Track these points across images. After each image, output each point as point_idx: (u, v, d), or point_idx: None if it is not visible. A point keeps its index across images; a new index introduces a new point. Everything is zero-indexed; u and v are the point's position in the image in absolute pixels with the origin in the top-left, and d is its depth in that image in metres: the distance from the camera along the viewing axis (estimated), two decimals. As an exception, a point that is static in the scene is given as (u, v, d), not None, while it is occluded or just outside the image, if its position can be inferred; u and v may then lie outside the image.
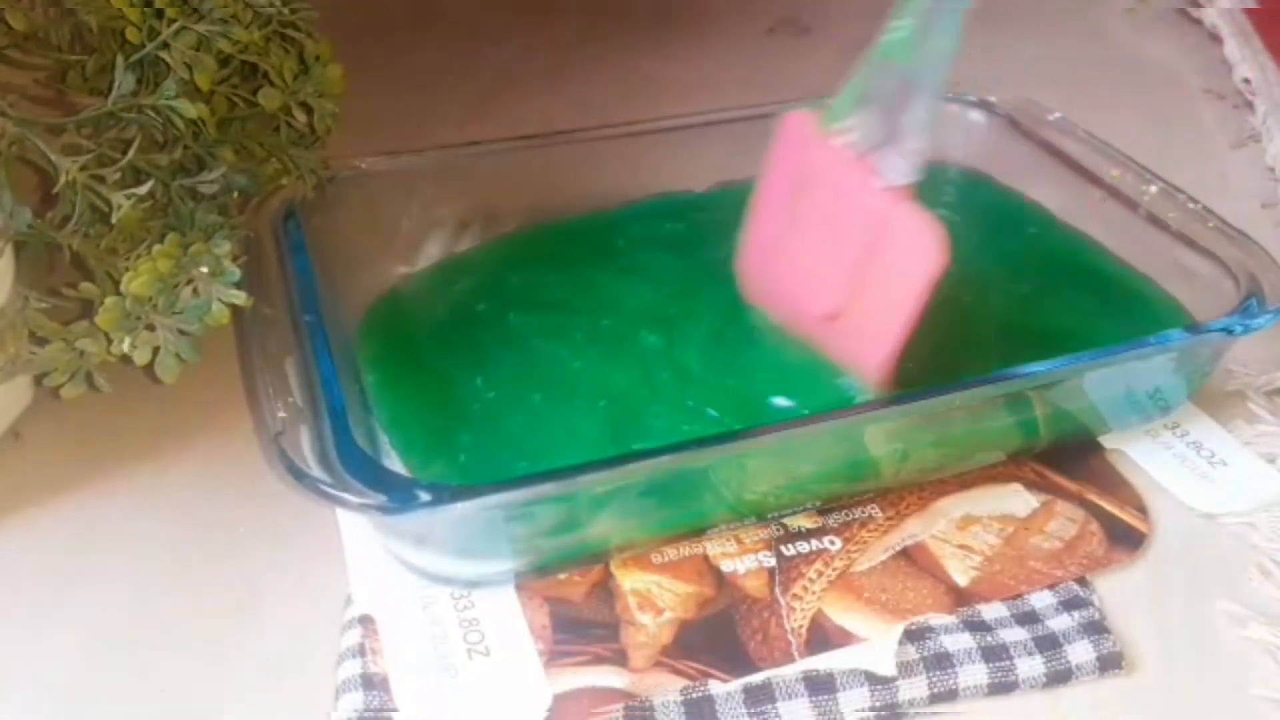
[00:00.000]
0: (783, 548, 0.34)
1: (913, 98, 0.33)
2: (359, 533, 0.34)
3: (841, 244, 0.35)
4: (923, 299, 0.33)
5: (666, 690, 0.30)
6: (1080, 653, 0.31)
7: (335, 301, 0.38)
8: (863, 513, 0.36)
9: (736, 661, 0.31)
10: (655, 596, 0.33)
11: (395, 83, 0.60)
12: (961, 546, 0.35)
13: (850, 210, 0.35)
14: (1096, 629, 0.32)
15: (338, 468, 0.30)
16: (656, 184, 0.48)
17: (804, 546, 0.35)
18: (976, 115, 0.51)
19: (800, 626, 0.32)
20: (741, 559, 0.34)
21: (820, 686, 0.30)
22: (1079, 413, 0.38)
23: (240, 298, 0.33)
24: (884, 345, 0.34)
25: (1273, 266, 0.39)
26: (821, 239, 0.36)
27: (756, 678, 0.31)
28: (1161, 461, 0.38)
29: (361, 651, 0.31)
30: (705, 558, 0.34)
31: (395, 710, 0.30)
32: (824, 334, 0.36)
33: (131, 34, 0.35)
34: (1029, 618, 0.33)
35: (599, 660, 0.31)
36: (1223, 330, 0.36)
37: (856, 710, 0.30)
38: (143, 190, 0.34)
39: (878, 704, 0.30)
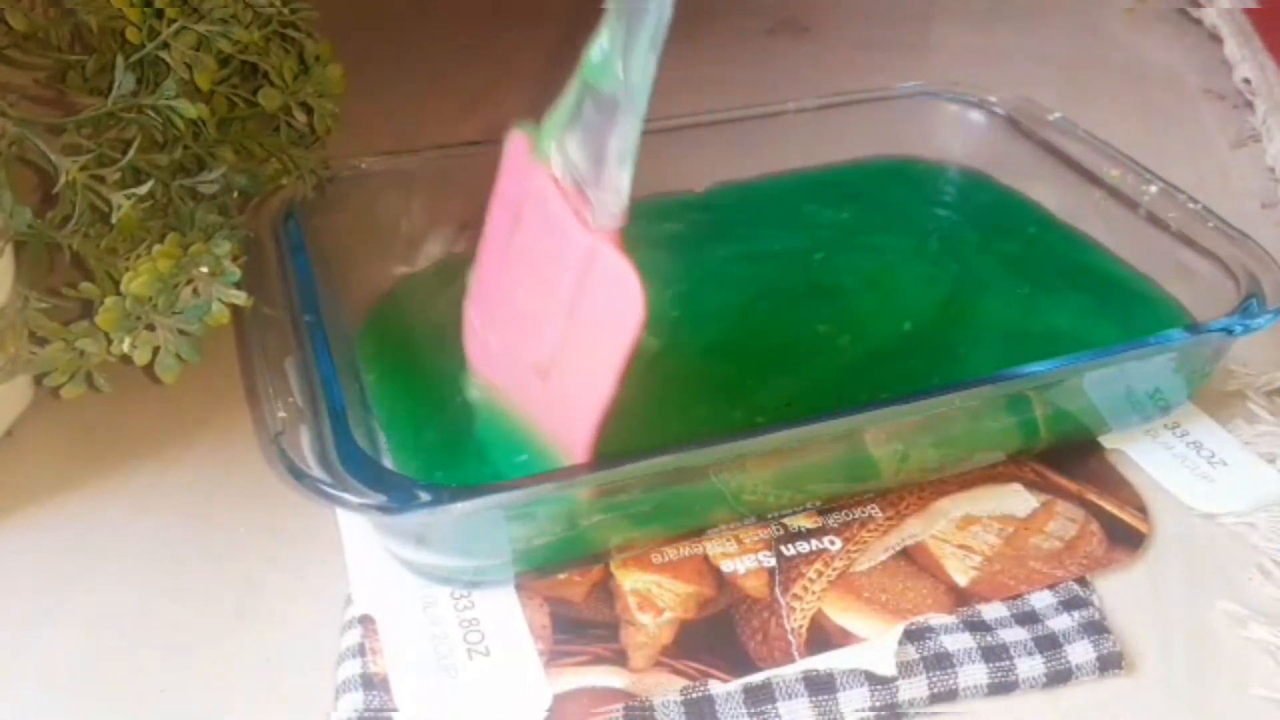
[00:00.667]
0: (783, 548, 0.34)
1: (616, 125, 0.29)
2: (359, 533, 0.34)
3: (552, 285, 0.31)
4: (624, 363, 0.29)
5: (666, 690, 0.30)
6: (1080, 653, 0.31)
7: (335, 301, 0.38)
8: (863, 513, 0.36)
9: (736, 661, 0.31)
10: (655, 596, 0.33)
11: (395, 82, 0.60)
12: (961, 546, 0.35)
13: (559, 247, 0.31)
14: (1096, 629, 0.32)
15: (338, 468, 0.30)
16: (656, 184, 0.48)
17: (804, 546, 0.35)
18: (976, 115, 0.51)
19: (800, 626, 0.32)
20: (741, 559, 0.34)
21: (820, 686, 0.30)
22: (1079, 413, 0.38)
23: (240, 298, 0.33)
24: (586, 420, 0.30)
25: (1273, 266, 0.39)
26: (535, 278, 0.32)
27: (756, 678, 0.31)
28: (1161, 461, 0.38)
29: (361, 651, 0.31)
30: (705, 558, 0.34)
31: (395, 710, 0.30)
32: (533, 396, 0.33)
33: (131, 34, 0.35)
34: (1029, 618, 0.33)
35: (599, 660, 0.31)
36: (1223, 330, 0.36)
37: (856, 710, 0.30)
38: (143, 190, 0.34)
39: (878, 704, 0.30)
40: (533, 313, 0.32)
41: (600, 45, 0.30)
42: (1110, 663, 0.31)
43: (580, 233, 0.30)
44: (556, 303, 0.31)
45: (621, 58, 0.29)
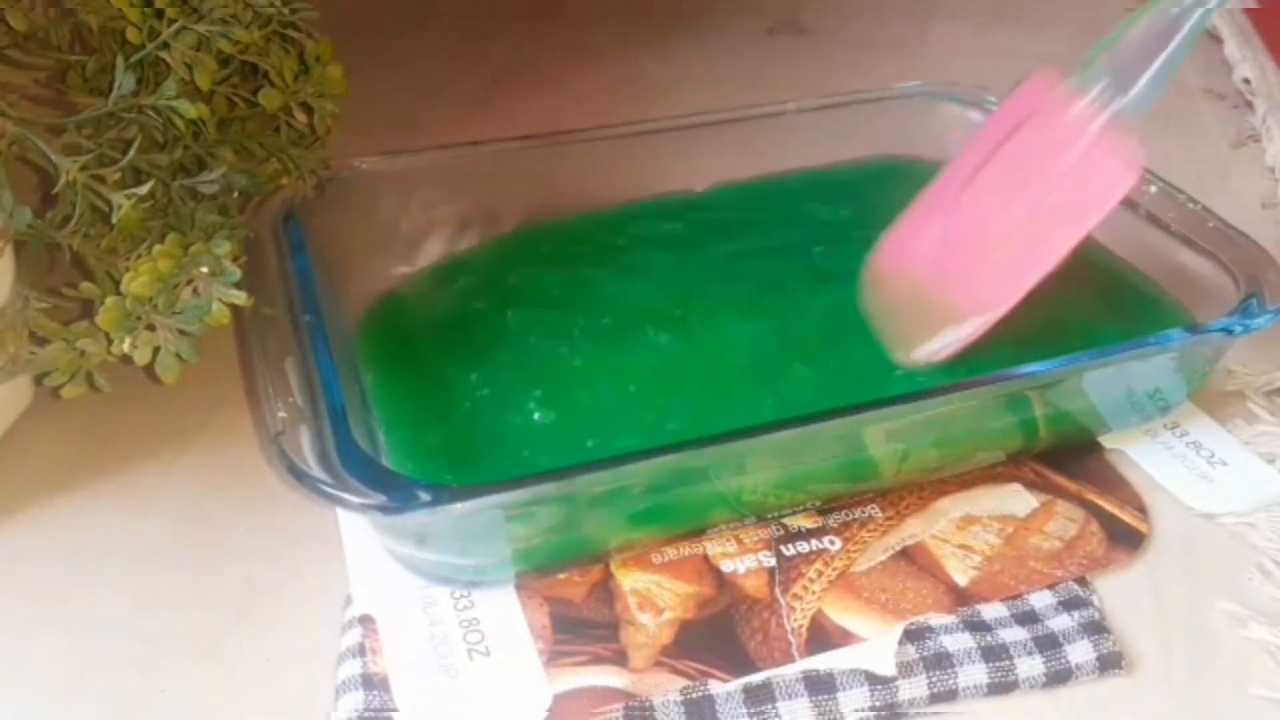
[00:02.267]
0: (783, 548, 0.34)
1: (1172, 38, 0.35)
2: (359, 533, 0.34)
3: (1037, 174, 0.38)
4: (1101, 218, 0.36)
5: (666, 690, 0.30)
6: (1080, 652, 0.31)
7: (335, 301, 0.38)
8: (863, 513, 0.36)
9: (736, 661, 0.31)
10: (655, 596, 0.33)
11: (395, 83, 0.60)
12: (961, 546, 0.35)
13: (1060, 140, 0.37)
14: (1096, 629, 0.32)
15: (338, 468, 0.30)
16: (656, 184, 0.48)
17: (804, 546, 0.35)
18: (976, 115, 0.51)
19: (800, 626, 0.32)
20: (741, 559, 0.34)
21: (820, 686, 0.30)
22: (1079, 413, 0.38)
23: (240, 298, 0.33)
24: (1026, 279, 0.37)
25: (1272, 266, 0.39)
26: (1020, 172, 0.38)
27: (756, 677, 0.31)
28: (1161, 461, 0.38)
29: (361, 651, 0.31)
30: (705, 558, 0.34)
31: (395, 710, 0.30)
32: (967, 278, 0.38)
33: (132, 34, 0.35)
34: (1029, 618, 0.33)
35: (599, 660, 0.31)
36: (1222, 330, 0.36)
37: (856, 710, 0.30)
38: (143, 190, 0.34)
39: (877, 704, 0.30)
40: (1008, 197, 0.38)
41: None
42: (1110, 663, 0.31)
43: (1092, 123, 0.36)
44: (1036, 189, 0.37)
45: None
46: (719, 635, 0.32)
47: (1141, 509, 0.36)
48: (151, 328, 0.32)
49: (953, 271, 0.39)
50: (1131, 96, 0.36)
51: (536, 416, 0.36)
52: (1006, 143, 0.39)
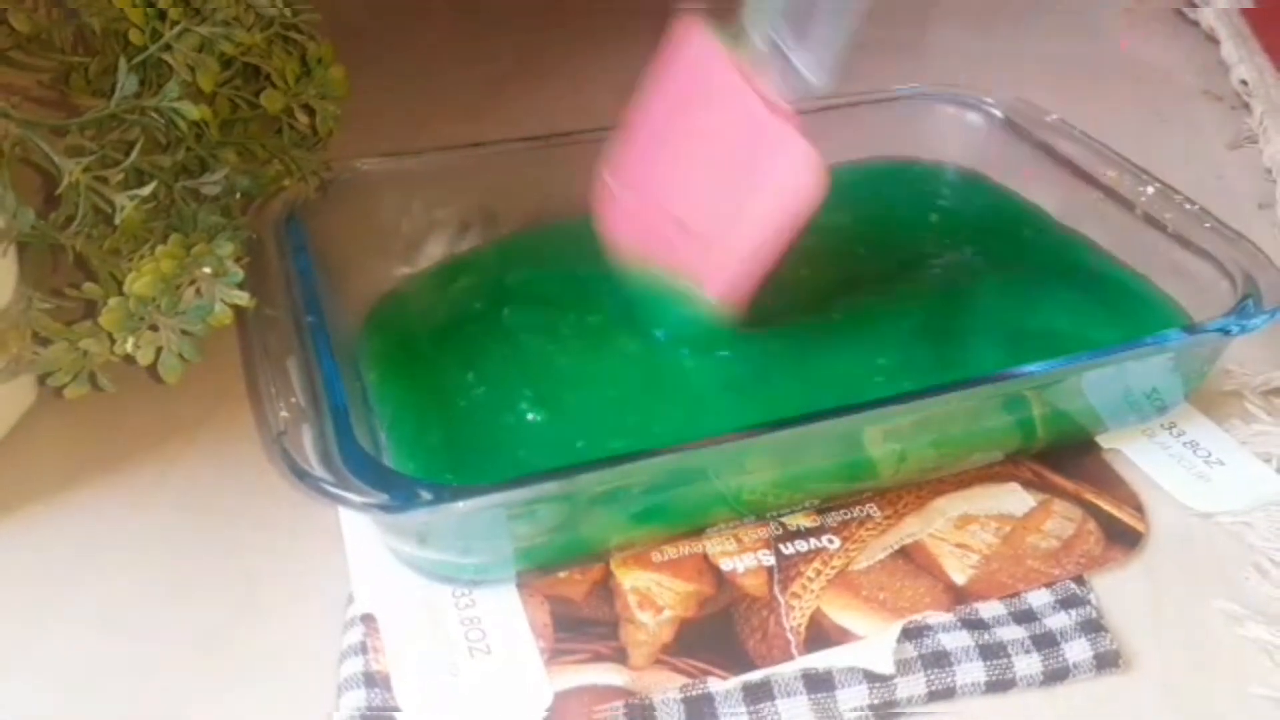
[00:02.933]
0: (781, 546, 0.35)
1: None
2: (361, 531, 0.35)
3: (720, 154, 0.34)
4: (789, 227, 0.33)
5: (666, 688, 0.31)
6: (1077, 651, 0.31)
7: (337, 302, 0.38)
8: (861, 512, 0.36)
9: (736, 659, 0.31)
10: (655, 595, 0.33)
11: (396, 85, 0.60)
12: (959, 545, 0.35)
13: (733, 126, 0.33)
14: (1093, 627, 0.32)
15: (340, 467, 0.30)
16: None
17: (803, 545, 0.35)
18: (974, 116, 0.51)
19: (799, 625, 0.32)
20: (741, 557, 0.34)
21: (819, 684, 0.31)
22: (1076, 412, 0.38)
23: (243, 298, 0.33)
24: (734, 269, 0.33)
25: (1269, 267, 0.39)
26: (695, 153, 0.35)
27: (755, 676, 0.31)
28: (1158, 461, 0.38)
29: (363, 650, 0.31)
30: (705, 556, 0.34)
31: (397, 708, 0.30)
32: (675, 245, 0.35)
33: (134, 36, 0.36)
34: (1026, 616, 0.33)
35: (599, 658, 0.31)
36: (1219, 330, 0.36)
37: (855, 708, 0.30)
38: (145, 191, 0.34)
39: (876, 702, 0.30)
40: (693, 175, 0.34)
41: None
42: (1107, 661, 0.31)
43: (767, 115, 0.32)
44: (722, 168, 0.34)
45: None
46: (718, 633, 0.32)
47: (1139, 508, 0.37)
48: (154, 328, 0.33)
49: (657, 245, 0.36)
50: (798, 59, 0.32)
51: (529, 417, 0.37)
52: (680, 114, 0.35)
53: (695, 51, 0.34)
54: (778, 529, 0.35)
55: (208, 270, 0.33)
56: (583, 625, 0.32)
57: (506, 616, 0.32)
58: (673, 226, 0.35)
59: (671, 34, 0.34)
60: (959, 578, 0.34)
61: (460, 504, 0.29)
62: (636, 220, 0.37)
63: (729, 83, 0.33)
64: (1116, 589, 0.34)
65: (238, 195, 0.38)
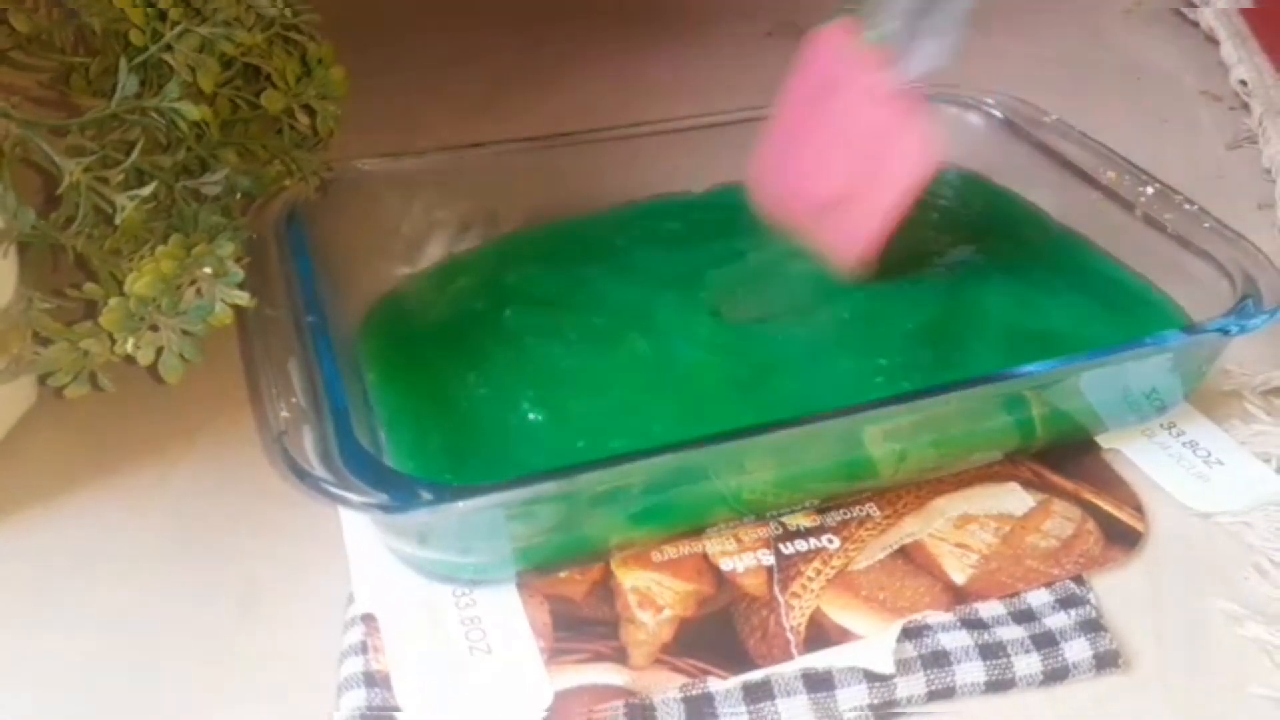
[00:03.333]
0: (781, 546, 0.35)
1: None
2: (361, 531, 0.35)
3: (849, 144, 0.40)
4: (908, 194, 0.38)
5: (666, 688, 0.31)
6: (1077, 651, 0.31)
7: (337, 302, 0.38)
8: (861, 511, 0.36)
9: (736, 659, 0.31)
10: (655, 594, 0.33)
11: (397, 85, 0.60)
12: (959, 545, 0.35)
13: (861, 117, 0.39)
14: (1093, 627, 0.32)
15: (340, 467, 0.30)
16: (656, 184, 0.48)
17: (802, 545, 0.35)
18: (973, 117, 0.51)
19: (799, 624, 0.32)
20: (740, 557, 0.34)
21: (819, 684, 0.31)
22: (1076, 412, 0.38)
23: (243, 298, 0.33)
24: (870, 230, 0.39)
25: (1269, 267, 0.39)
26: (832, 139, 0.41)
27: (755, 675, 0.31)
28: (1158, 461, 0.38)
29: (363, 649, 0.31)
30: (705, 556, 0.34)
31: (397, 708, 0.30)
32: (817, 223, 0.41)
33: (135, 36, 0.36)
34: (1026, 616, 0.33)
35: (599, 658, 0.31)
36: (1219, 331, 0.37)
37: (854, 707, 0.30)
38: (146, 192, 0.34)
39: (875, 701, 0.30)
40: (830, 162, 0.41)
41: None
42: (1107, 661, 0.31)
43: (887, 102, 0.38)
44: (851, 155, 0.40)
45: None
46: (718, 633, 0.32)
47: (1138, 508, 0.37)
48: (155, 328, 0.33)
49: (814, 226, 0.41)
50: (919, 47, 0.37)
51: (531, 417, 0.37)
52: (817, 109, 0.41)
53: (829, 51, 0.40)
54: (777, 529, 0.35)
55: (208, 270, 0.33)
56: (583, 625, 0.32)
57: (506, 616, 0.32)
58: (816, 203, 0.41)
59: (808, 39, 0.41)
60: (959, 577, 0.34)
61: (460, 504, 0.29)
62: (786, 198, 0.42)
63: (861, 77, 0.39)
64: (1116, 589, 0.34)
65: (238, 195, 0.38)
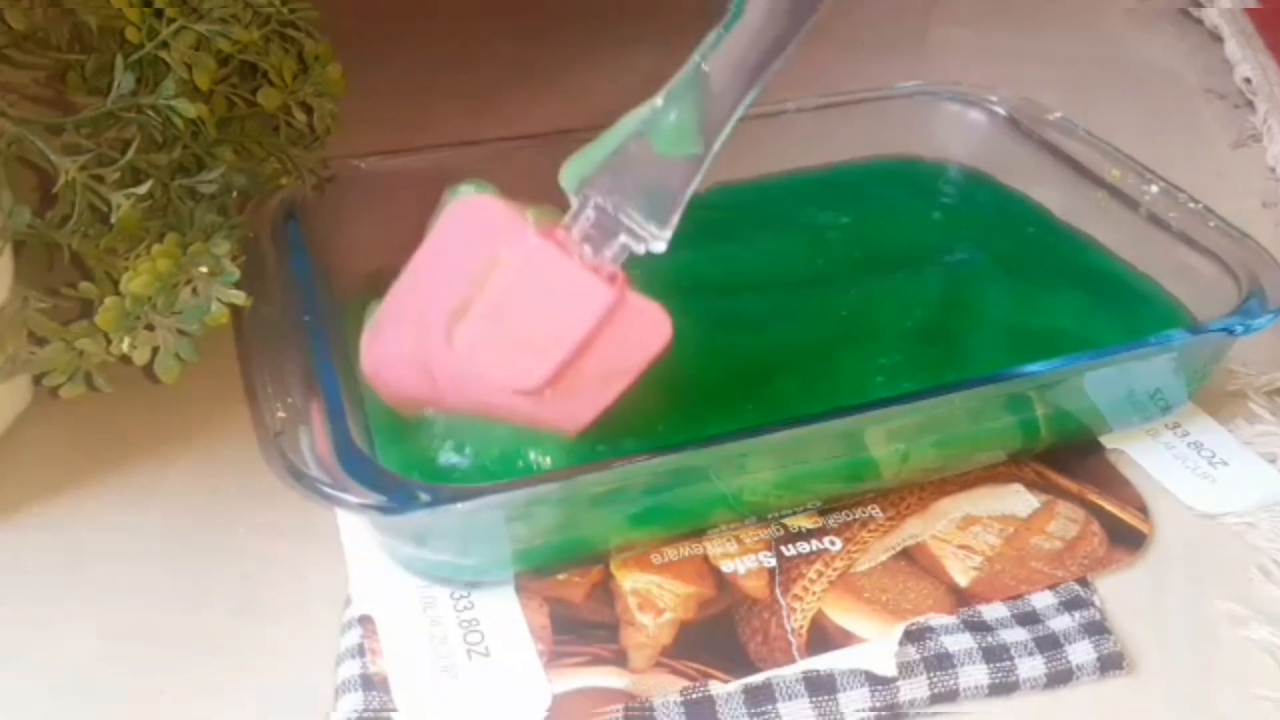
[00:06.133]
0: (783, 548, 0.34)
1: (685, 175, 0.32)
2: (358, 533, 0.34)
3: (552, 325, 0.32)
4: (640, 373, 0.33)
5: (667, 691, 0.30)
6: (1081, 653, 0.31)
7: (334, 301, 0.38)
8: (863, 513, 0.36)
9: (737, 662, 0.31)
10: (655, 597, 0.33)
11: (395, 82, 0.60)
12: (962, 547, 0.35)
13: (568, 296, 0.32)
14: (1097, 629, 0.32)
15: (337, 468, 0.30)
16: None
17: (804, 547, 0.34)
18: (977, 114, 0.51)
19: (800, 627, 0.32)
20: (742, 559, 0.34)
21: (821, 687, 0.30)
22: (1080, 413, 0.38)
23: (239, 298, 0.33)
24: (598, 407, 0.33)
25: (1274, 266, 0.39)
26: (524, 321, 0.32)
27: (757, 678, 0.31)
28: (1162, 461, 0.38)
29: (361, 652, 0.31)
30: (705, 558, 0.34)
31: (395, 711, 0.29)
32: (515, 409, 0.34)
33: (131, 34, 0.35)
34: (1030, 618, 0.32)
35: (599, 661, 0.31)
36: (1224, 330, 0.36)
37: (857, 711, 0.30)
38: (142, 190, 0.34)
39: (878, 704, 0.30)
40: (525, 349, 0.32)
41: (669, 117, 0.32)
42: (1111, 663, 0.31)
43: (600, 285, 0.32)
44: (560, 339, 0.32)
45: (701, 131, 0.32)
46: (719, 636, 0.32)
47: (1143, 509, 0.36)
48: (150, 327, 0.32)
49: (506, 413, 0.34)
50: (650, 221, 0.32)
51: None
52: (485, 289, 0.32)
53: (493, 231, 0.32)
54: (779, 530, 0.35)
55: (204, 269, 0.33)
56: (582, 627, 0.32)
57: (505, 619, 0.32)
58: (508, 396, 0.33)
59: (451, 210, 0.33)
60: (962, 579, 0.34)
61: (458, 505, 0.29)
62: (451, 386, 0.34)
63: (554, 262, 0.32)
64: (1120, 590, 0.34)
65: (234, 194, 0.38)
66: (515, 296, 0.32)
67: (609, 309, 0.32)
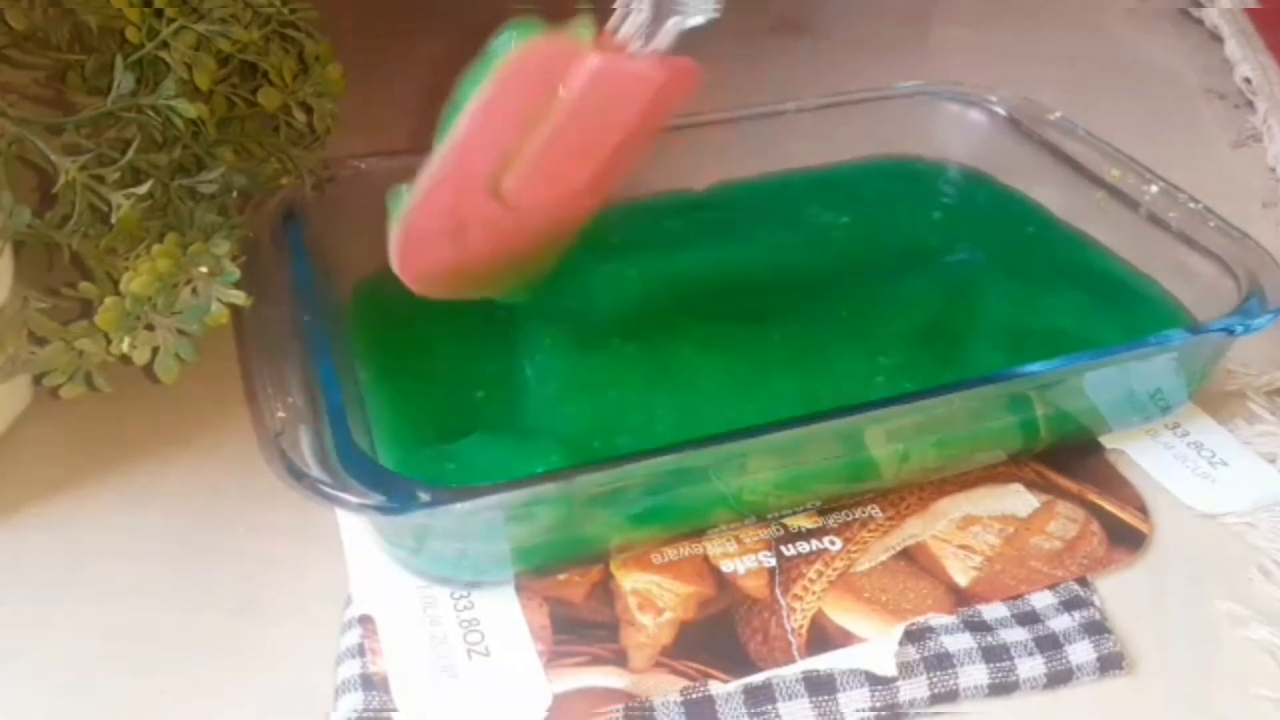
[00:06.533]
0: (783, 548, 0.34)
1: None
2: (358, 533, 0.34)
3: (610, 126, 0.33)
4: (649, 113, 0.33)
5: (667, 691, 0.30)
6: (1081, 653, 0.31)
7: (334, 301, 0.38)
8: (863, 513, 0.36)
9: (737, 662, 0.31)
10: (655, 597, 0.33)
11: (395, 82, 0.60)
12: (962, 546, 0.35)
13: (622, 93, 0.33)
14: (1097, 629, 0.32)
15: (337, 468, 0.30)
16: (656, 183, 0.48)
17: (804, 547, 0.34)
18: (977, 114, 0.51)
19: (800, 627, 0.32)
20: (742, 559, 0.34)
21: (820, 687, 0.30)
22: (1080, 413, 0.38)
23: (239, 298, 0.33)
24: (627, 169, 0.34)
25: (1273, 266, 0.39)
26: (583, 135, 0.33)
27: (757, 678, 0.31)
28: (1162, 461, 0.38)
29: (361, 652, 0.31)
30: (705, 558, 0.34)
31: (395, 710, 0.29)
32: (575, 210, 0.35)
33: (131, 34, 0.35)
34: (1030, 618, 0.32)
35: (599, 661, 0.31)
36: (1224, 330, 0.36)
37: (857, 710, 0.30)
38: (142, 190, 0.34)
39: (878, 704, 0.30)
40: (575, 157, 0.33)
41: None
42: (1111, 663, 0.31)
43: (656, 71, 0.33)
44: (609, 135, 0.33)
45: None
46: (719, 636, 0.32)
47: (1142, 509, 0.36)
48: (150, 328, 0.32)
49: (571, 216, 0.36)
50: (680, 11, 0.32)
51: (526, 417, 0.36)
52: (545, 121, 0.33)
53: (542, 66, 0.33)
54: (779, 530, 0.35)
55: (204, 269, 0.33)
56: (582, 627, 0.32)
57: (505, 618, 0.32)
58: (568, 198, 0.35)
59: (501, 63, 0.33)
60: (962, 579, 0.34)
61: (458, 505, 0.29)
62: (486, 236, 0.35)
63: (606, 71, 0.32)
64: (1120, 590, 0.34)
65: (234, 194, 0.38)
66: (578, 119, 0.33)
67: (662, 86, 0.33)
